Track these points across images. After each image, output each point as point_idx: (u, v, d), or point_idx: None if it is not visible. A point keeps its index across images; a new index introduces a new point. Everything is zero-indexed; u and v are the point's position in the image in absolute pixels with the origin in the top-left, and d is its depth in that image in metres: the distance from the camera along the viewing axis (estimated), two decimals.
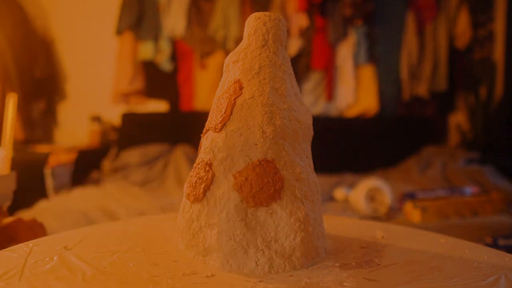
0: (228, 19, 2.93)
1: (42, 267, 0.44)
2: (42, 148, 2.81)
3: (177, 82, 3.12)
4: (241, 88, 0.47)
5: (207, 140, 0.49)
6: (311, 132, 0.51)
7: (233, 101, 0.47)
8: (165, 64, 3.07)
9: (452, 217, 1.64)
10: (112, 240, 0.55)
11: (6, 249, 0.49)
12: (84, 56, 3.32)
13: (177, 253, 0.51)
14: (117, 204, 1.70)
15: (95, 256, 0.47)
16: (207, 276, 0.43)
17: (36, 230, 0.64)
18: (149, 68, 3.11)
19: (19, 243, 0.52)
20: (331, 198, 2.05)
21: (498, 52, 2.80)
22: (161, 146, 2.63)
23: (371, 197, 1.72)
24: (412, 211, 1.64)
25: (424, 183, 2.24)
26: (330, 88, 2.94)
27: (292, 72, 0.51)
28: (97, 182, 2.26)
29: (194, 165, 0.52)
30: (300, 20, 2.85)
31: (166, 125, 3.04)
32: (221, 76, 0.51)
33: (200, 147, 0.51)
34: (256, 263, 0.45)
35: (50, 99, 3.37)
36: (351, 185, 2.04)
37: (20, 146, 2.70)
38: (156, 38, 3.05)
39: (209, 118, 0.50)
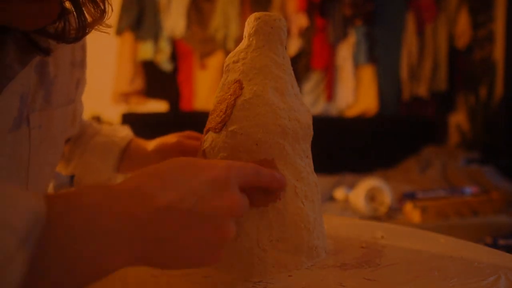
0: (228, 19, 2.93)
1: None
2: None
3: (177, 82, 3.12)
4: (241, 88, 0.47)
5: (207, 140, 0.49)
6: (311, 132, 0.51)
7: (233, 101, 0.47)
8: (165, 64, 3.07)
9: (452, 217, 1.64)
10: None
11: None
12: None
13: None
14: None
15: None
16: (207, 276, 0.43)
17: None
18: (149, 68, 3.11)
19: None
20: (331, 198, 2.05)
21: (498, 52, 2.80)
22: None
23: (371, 197, 1.72)
24: (412, 211, 1.64)
25: (424, 183, 2.24)
26: (330, 88, 2.94)
27: (292, 72, 0.51)
28: None
29: None
30: (300, 20, 2.85)
31: (166, 125, 3.04)
32: (221, 76, 0.51)
33: (200, 147, 0.51)
34: (256, 263, 0.45)
35: None
36: (351, 185, 2.04)
37: None
38: (156, 38, 3.05)
39: (209, 118, 0.50)
